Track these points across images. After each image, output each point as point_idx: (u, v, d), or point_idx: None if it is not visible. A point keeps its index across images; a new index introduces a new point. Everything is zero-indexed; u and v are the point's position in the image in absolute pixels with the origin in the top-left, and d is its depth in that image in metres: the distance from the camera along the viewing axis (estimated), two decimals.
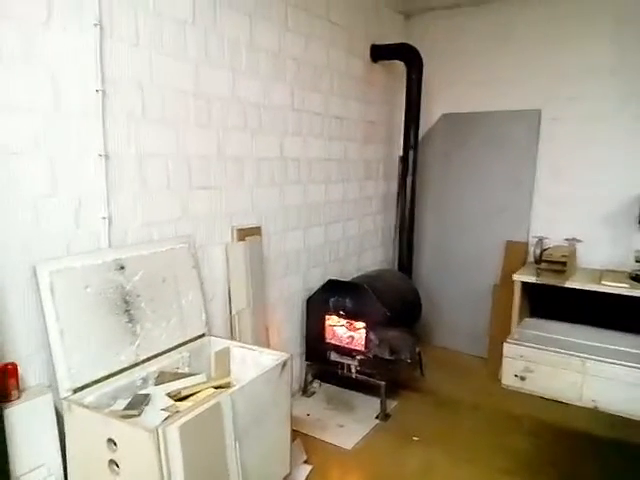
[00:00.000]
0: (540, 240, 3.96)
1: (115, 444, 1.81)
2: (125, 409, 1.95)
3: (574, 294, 3.64)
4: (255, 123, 2.97)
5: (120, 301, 2.21)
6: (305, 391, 3.66)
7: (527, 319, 4.07)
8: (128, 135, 2.29)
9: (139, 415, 1.93)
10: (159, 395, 2.09)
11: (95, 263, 2.14)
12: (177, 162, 2.53)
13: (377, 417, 3.37)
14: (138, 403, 1.99)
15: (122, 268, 2.24)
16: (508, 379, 3.78)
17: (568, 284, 3.56)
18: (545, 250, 3.76)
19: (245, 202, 2.98)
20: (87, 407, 1.91)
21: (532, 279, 3.68)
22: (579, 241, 4.00)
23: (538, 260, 3.79)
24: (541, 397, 3.63)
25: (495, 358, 4.10)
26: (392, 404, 3.54)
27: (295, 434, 3.05)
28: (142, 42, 2.30)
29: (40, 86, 1.94)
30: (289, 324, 3.50)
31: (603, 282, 3.46)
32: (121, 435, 1.79)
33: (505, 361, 3.78)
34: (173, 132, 2.49)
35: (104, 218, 2.22)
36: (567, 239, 4.02)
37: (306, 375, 3.67)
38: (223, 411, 1.95)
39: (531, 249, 4.05)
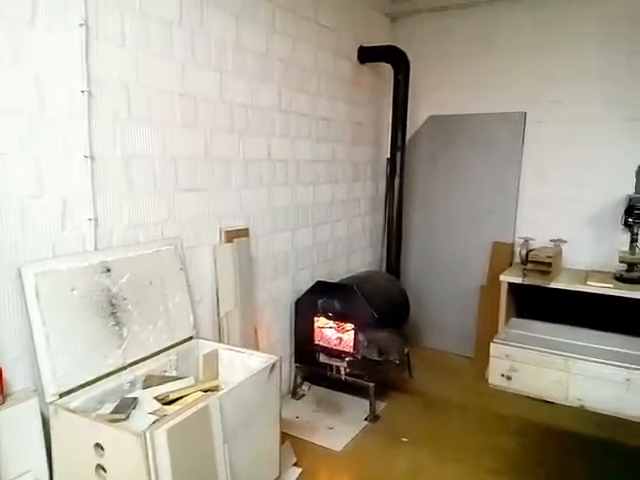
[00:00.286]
0: (526, 241, 4.00)
1: (102, 449, 1.78)
2: (112, 413, 1.93)
3: (560, 294, 3.68)
4: (242, 124, 2.96)
5: (106, 304, 2.18)
6: (294, 393, 3.65)
7: (513, 319, 4.10)
8: (114, 136, 2.27)
9: (126, 419, 1.91)
10: (147, 399, 2.07)
11: (81, 265, 2.11)
12: (164, 163, 2.51)
13: (366, 419, 3.37)
14: (125, 407, 1.96)
15: (108, 270, 2.21)
16: (495, 378, 3.79)
17: (553, 284, 3.60)
18: (531, 251, 3.80)
19: (233, 204, 2.96)
20: (74, 412, 1.88)
21: (518, 280, 3.72)
22: (564, 242, 4.05)
23: (524, 261, 3.83)
24: (527, 396, 3.65)
25: (482, 358, 4.13)
26: (381, 405, 3.55)
27: (284, 436, 3.03)
28: (128, 42, 2.28)
29: (24, 87, 1.91)
30: (278, 326, 3.49)
31: (588, 282, 3.50)
32: (108, 439, 1.77)
33: (492, 361, 3.80)
34: (159, 133, 2.47)
35: (90, 220, 2.19)
36: (552, 240, 4.06)
37: (295, 377, 3.66)
38: (211, 414, 1.93)
39: (517, 250, 4.09)
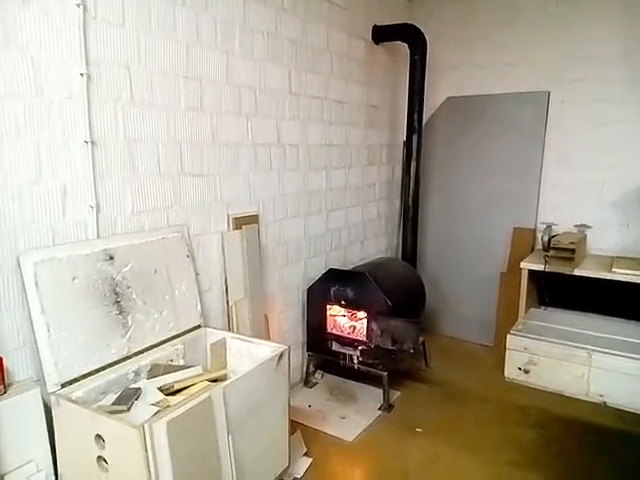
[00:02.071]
0: (548, 227, 3.84)
1: (103, 440, 1.75)
2: (113, 404, 1.89)
3: (584, 282, 3.52)
4: (250, 107, 2.87)
5: (109, 292, 2.14)
6: (307, 382, 3.60)
7: (533, 309, 3.95)
8: (115, 120, 2.21)
9: (128, 410, 1.87)
10: (150, 389, 2.03)
11: (82, 253, 2.06)
12: (168, 148, 2.44)
13: (380, 408, 3.30)
14: (127, 398, 1.93)
15: (111, 258, 2.17)
16: (511, 372, 3.64)
17: (577, 272, 3.45)
18: (553, 237, 3.64)
19: (241, 189, 2.89)
20: (75, 402, 1.85)
21: (540, 267, 3.57)
22: (589, 227, 3.88)
23: (546, 247, 3.68)
24: (545, 391, 3.50)
25: (502, 347, 3.99)
26: (395, 395, 3.47)
27: (295, 426, 3.00)
28: (129, 23, 2.20)
29: (19, 70, 1.85)
30: (289, 314, 3.43)
31: (614, 269, 3.34)
32: (108, 431, 1.73)
33: (508, 353, 3.64)
34: (163, 117, 2.40)
35: (92, 206, 2.14)
36: (576, 225, 3.90)
37: (307, 366, 3.61)
38: (214, 405, 1.88)
39: (539, 236, 3.93)
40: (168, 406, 1.92)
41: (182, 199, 2.54)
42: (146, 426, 1.62)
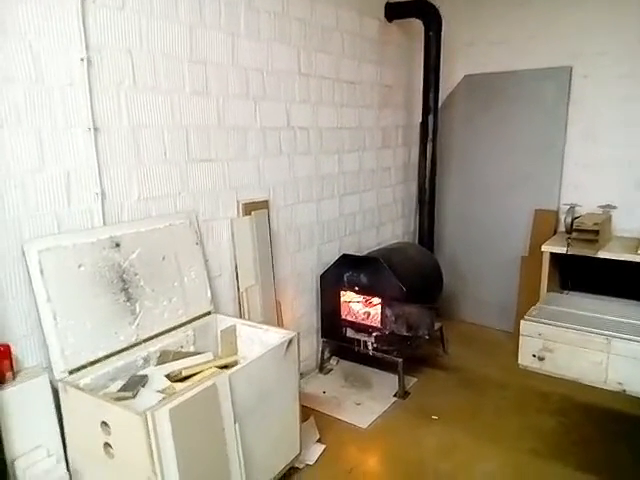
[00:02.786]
0: (572, 208, 3.71)
1: (109, 427, 1.75)
2: (119, 391, 1.89)
3: (609, 265, 3.39)
4: (258, 90, 2.80)
5: (117, 280, 2.13)
6: (322, 368, 3.57)
7: (551, 293, 3.79)
8: (119, 105, 2.18)
9: (134, 397, 1.87)
10: (157, 376, 2.02)
11: (88, 241, 2.06)
12: (174, 133, 2.41)
13: (395, 395, 3.25)
14: (133, 385, 1.92)
15: (117, 246, 2.15)
16: (525, 359, 3.53)
17: (601, 254, 3.31)
18: (576, 218, 3.50)
19: (251, 175, 2.84)
20: (81, 389, 1.85)
21: (562, 250, 3.44)
22: (613, 208, 3.73)
23: (569, 229, 3.55)
24: (562, 379, 3.37)
25: None
26: (412, 381, 3.42)
27: (309, 412, 2.98)
28: (129, 5, 2.15)
29: (17, 55, 1.82)
30: (303, 300, 3.39)
31: None
32: (113, 418, 1.73)
33: (522, 340, 3.51)
34: (168, 101, 2.36)
35: (97, 194, 2.12)
36: (601, 206, 3.74)
37: (322, 352, 3.58)
38: (219, 393, 1.86)
39: (562, 217, 3.80)
40: (174, 393, 1.91)
41: (190, 185, 2.51)
42: (149, 413, 1.61)
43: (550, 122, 3.87)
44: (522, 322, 3.49)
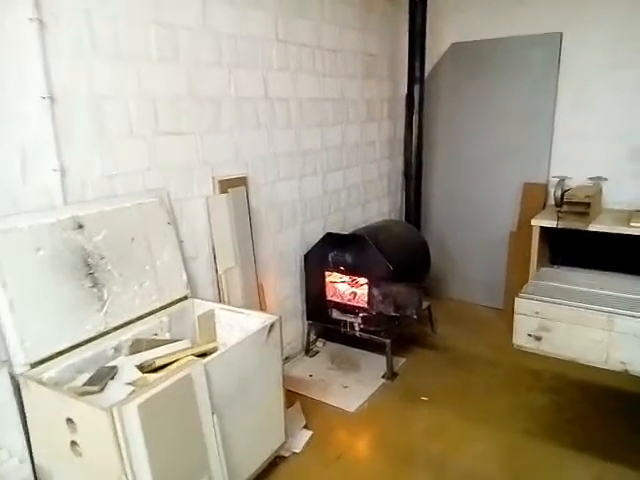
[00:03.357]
0: (561, 180, 3.59)
1: (74, 424, 1.60)
2: (85, 384, 1.74)
3: (599, 239, 3.29)
4: (232, 57, 2.61)
5: (81, 264, 1.96)
6: (308, 351, 3.45)
7: (544, 268, 3.70)
8: (77, 73, 1.98)
9: (101, 391, 1.72)
10: (127, 367, 1.87)
11: (47, 222, 1.88)
12: (140, 104, 2.21)
13: (383, 376, 3.15)
14: (101, 377, 1.77)
15: (81, 227, 1.98)
16: (520, 339, 3.41)
17: (592, 227, 3.21)
18: (567, 191, 3.39)
19: (226, 149, 2.66)
20: (43, 384, 1.70)
21: (552, 223, 3.33)
22: (604, 179, 3.62)
23: (559, 203, 3.44)
24: (559, 359, 3.28)
25: (512, 310, 3.82)
26: (400, 362, 3.32)
27: (295, 397, 2.87)
28: None
29: None
30: (286, 282, 3.25)
31: (632, 224, 3.10)
32: (78, 414, 1.58)
33: (517, 318, 3.39)
34: (133, 69, 2.16)
35: (55, 170, 1.93)
36: (591, 178, 3.64)
37: (308, 334, 3.46)
38: (195, 383, 1.72)
39: (551, 191, 3.69)
40: (146, 385, 1.77)
41: (159, 160, 2.33)
42: (115, 409, 1.46)
43: (539, 91, 3.73)
44: (517, 300, 3.37)
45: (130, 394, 1.64)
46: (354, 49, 3.56)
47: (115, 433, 1.47)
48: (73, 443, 1.64)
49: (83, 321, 1.95)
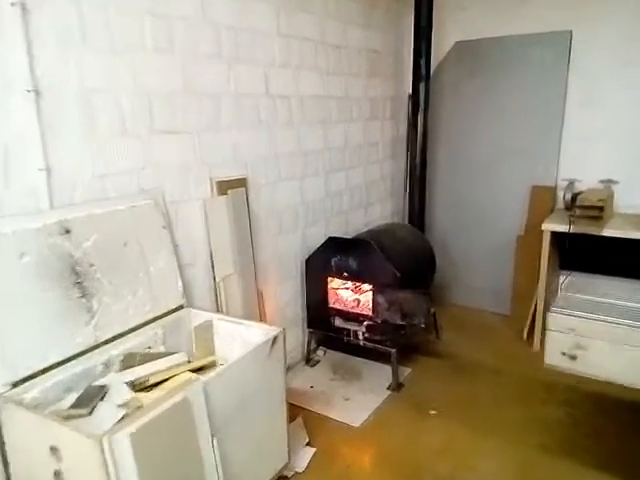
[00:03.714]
0: (571, 183, 3.48)
1: (59, 451, 1.44)
2: (72, 407, 1.58)
3: (609, 244, 3.16)
4: (232, 51, 2.46)
5: (68, 272, 1.80)
6: (308, 360, 3.30)
7: (572, 278, 3.47)
8: (65, 65, 1.82)
9: (89, 414, 1.56)
10: (118, 386, 1.71)
11: (31, 227, 1.72)
12: (134, 100, 2.06)
13: (389, 387, 3.01)
14: (90, 398, 1.61)
15: (68, 232, 1.82)
16: (553, 358, 3.12)
17: (605, 232, 3.08)
18: (578, 194, 3.26)
19: (225, 149, 2.51)
20: (24, 406, 1.54)
21: (564, 228, 3.20)
22: (615, 182, 3.49)
23: (569, 206, 3.32)
24: (596, 380, 3.00)
25: (519, 316, 3.71)
26: (405, 371, 3.18)
27: (297, 411, 2.72)
28: None
29: None
30: (287, 289, 3.10)
31: None
32: (64, 442, 1.42)
33: (550, 335, 3.11)
34: (126, 61, 2.01)
35: (41, 170, 1.78)
36: (602, 181, 3.51)
37: (309, 342, 3.31)
38: (193, 405, 1.56)
39: (560, 195, 3.56)
40: (140, 407, 1.61)
41: (154, 160, 2.17)
42: (105, 439, 1.31)
43: (548, 91, 3.60)
44: (550, 315, 3.13)
45: (122, 419, 1.49)
46: (358, 46, 3.41)
47: (105, 464, 1.32)
48: (57, 474, 1.48)
49: (71, 334, 1.79)
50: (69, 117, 1.85)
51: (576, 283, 3.45)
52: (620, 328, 2.92)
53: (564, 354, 3.08)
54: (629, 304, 3.14)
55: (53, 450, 1.44)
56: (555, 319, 3.10)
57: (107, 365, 1.87)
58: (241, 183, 2.56)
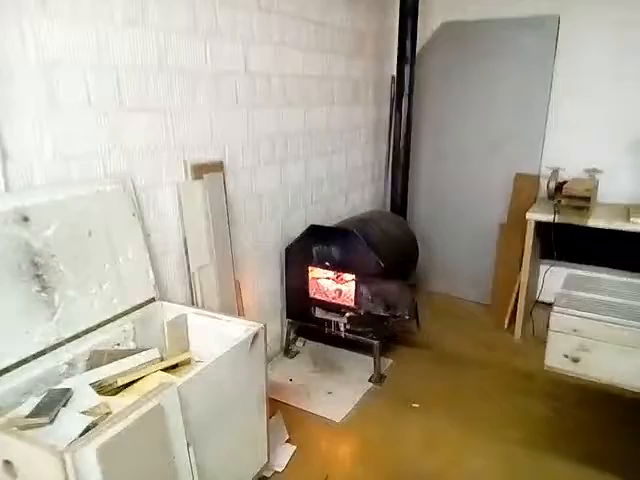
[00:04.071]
0: (555, 171, 3.41)
1: (14, 467, 1.29)
2: (31, 415, 1.42)
3: (593, 234, 3.13)
4: (209, 24, 2.27)
5: (26, 264, 1.63)
6: (287, 351, 3.19)
7: (571, 273, 3.39)
8: (20, 34, 1.61)
9: (51, 423, 1.41)
10: (84, 389, 1.56)
11: None
12: (100, 74, 1.86)
13: (370, 379, 2.93)
14: (51, 404, 1.46)
15: (26, 220, 1.64)
16: (554, 360, 2.97)
17: (591, 223, 3.04)
18: (563, 184, 3.21)
19: (201, 130, 2.34)
20: None
21: (548, 218, 3.14)
22: (599, 172, 3.45)
23: (552, 195, 3.26)
24: (600, 383, 2.89)
25: (500, 305, 3.68)
26: (387, 363, 3.11)
27: (276, 406, 2.61)
28: None
29: None
30: (265, 278, 2.96)
31: (633, 219, 2.94)
32: (19, 456, 1.27)
33: (552, 336, 2.96)
34: (91, 32, 1.81)
35: None
36: (587, 170, 3.46)
37: (288, 333, 3.19)
38: (166, 413, 1.42)
39: (543, 182, 3.51)
40: (108, 413, 1.47)
41: (123, 141, 1.99)
42: (68, 455, 1.16)
43: (533, 77, 3.52)
44: (552, 315, 2.97)
45: (87, 430, 1.34)
46: (341, 24, 3.24)
47: None
48: None
49: (29, 332, 1.62)
50: (26, 92, 1.65)
51: (578, 280, 3.32)
52: (629, 330, 2.77)
53: (566, 357, 2.96)
54: (633, 302, 3.02)
55: (7, 465, 1.30)
56: (558, 319, 2.95)
57: (72, 365, 1.72)
58: (218, 167, 2.40)
